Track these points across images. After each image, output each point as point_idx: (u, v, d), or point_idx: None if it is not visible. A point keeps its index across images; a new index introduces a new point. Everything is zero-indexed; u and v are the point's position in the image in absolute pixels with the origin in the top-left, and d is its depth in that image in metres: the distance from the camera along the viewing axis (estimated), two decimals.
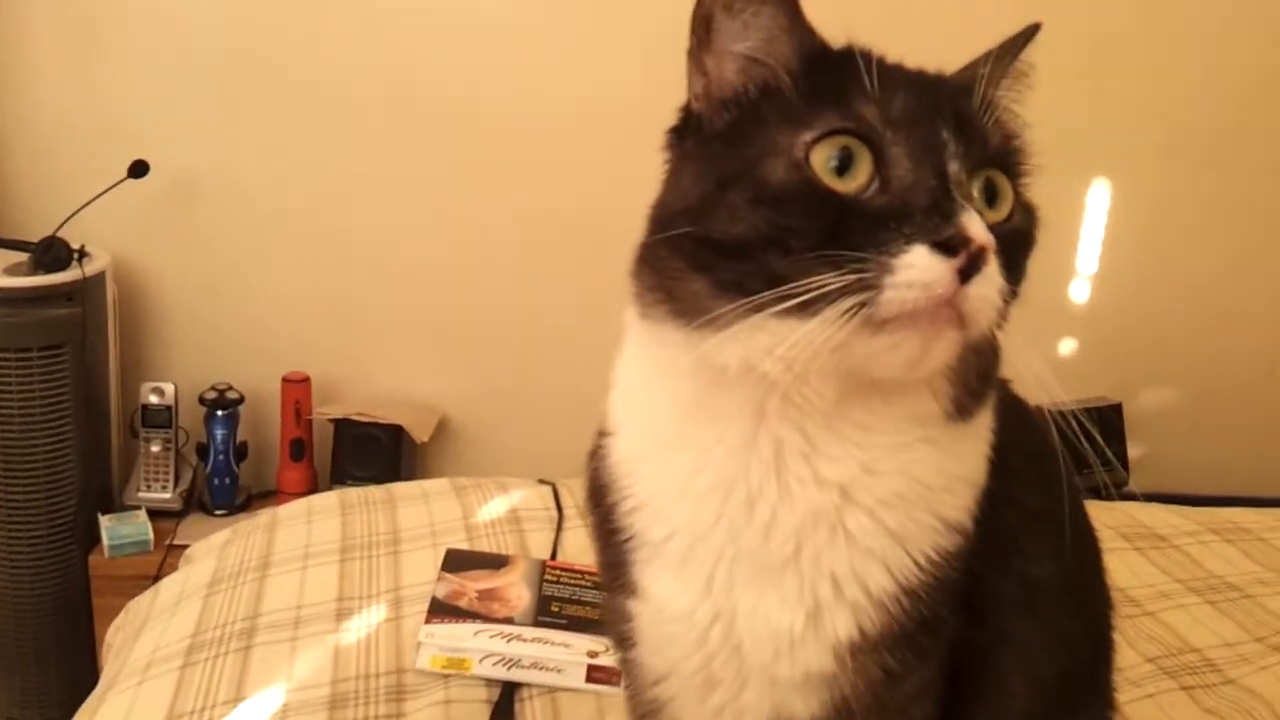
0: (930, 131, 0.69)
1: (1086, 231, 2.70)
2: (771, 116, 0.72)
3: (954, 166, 0.69)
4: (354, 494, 1.68)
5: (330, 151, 2.55)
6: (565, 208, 2.51)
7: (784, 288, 0.65)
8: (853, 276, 0.64)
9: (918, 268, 0.64)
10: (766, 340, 0.68)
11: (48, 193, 2.45)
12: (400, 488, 1.72)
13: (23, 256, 2.31)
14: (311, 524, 1.58)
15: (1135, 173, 2.69)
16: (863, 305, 0.64)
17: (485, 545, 1.52)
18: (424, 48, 2.51)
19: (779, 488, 0.75)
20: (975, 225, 0.65)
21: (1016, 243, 0.73)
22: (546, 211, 2.55)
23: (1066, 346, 2.70)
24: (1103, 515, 1.81)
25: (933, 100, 0.71)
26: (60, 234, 2.33)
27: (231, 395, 2.51)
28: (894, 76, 0.73)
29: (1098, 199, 2.70)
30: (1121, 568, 1.66)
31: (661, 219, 0.75)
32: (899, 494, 0.75)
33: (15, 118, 2.48)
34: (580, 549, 1.51)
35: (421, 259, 2.61)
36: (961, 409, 0.75)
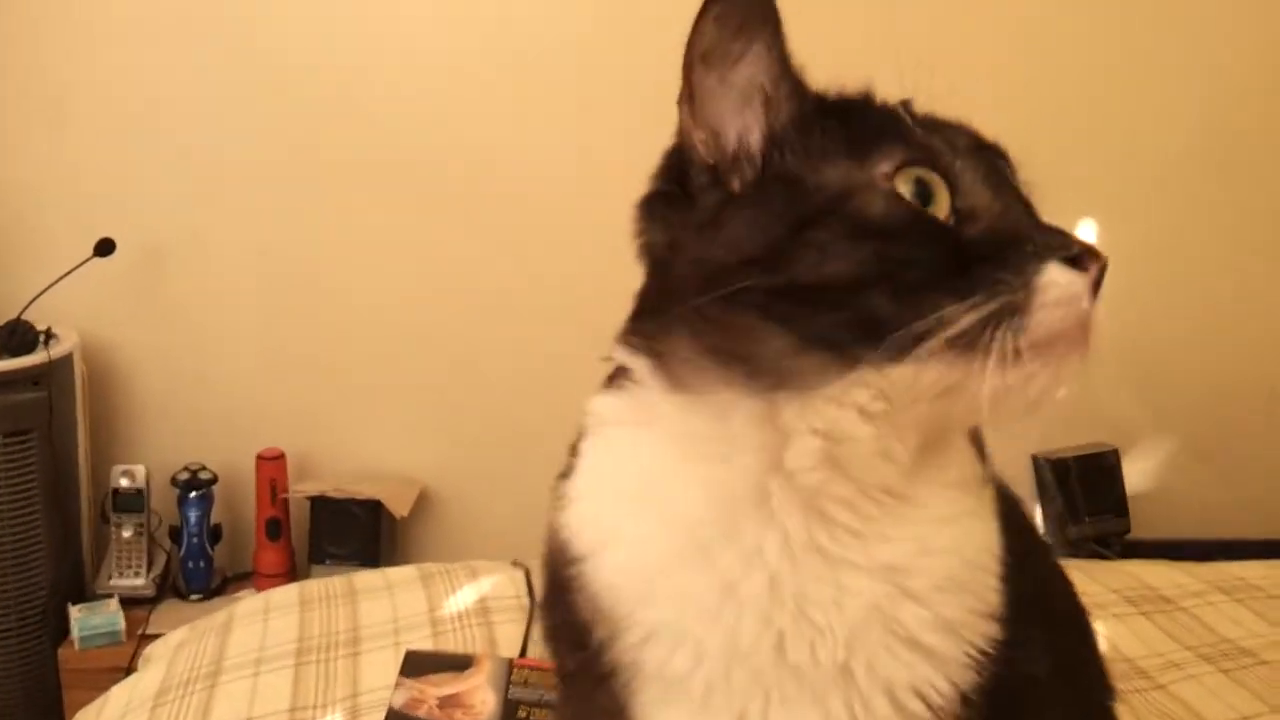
0: (993, 161, 0.69)
1: None
2: (820, 154, 0.67)
3: (1023, 192, 0.69)
4: (314, 586, 1.61)
5: (301, 223, 2.51)
6: (550, 275, 2.47)
7: (919, 325, 0.60)
8: (996, 301, 0.60)
9: (1062, 283, 0.61)
10: (866, 393, 0.63)
11: (12, 274, 2.41)
12: (363, 578, 1.65)
13: None
14: (268, 622, 1.50)
15: (1123, 214, 2.63)
16: (1012, 333, 0.60)
17: (451, 641, 1.44)
18: (398, 114, 2.48)
19: (833, 584, 0.67)
20: (1094, 244, 0.63)
21: None
22: (530, 280, 2.50)
23: (1059, 393, 2.61)
24: (1105, 577, 1.74)
25: (973, 135, 0.71)
26: (25, 316, 2.29)
27: (204, 475, 2.45)
28: (924, 117, 0.72)
29: (1088, 237, 2.64)
30: (1128, 635, 1.58)
31: (705, 278, 0.66)
32: (952, 577, 0.68)
33: None
34: None
35: (397, 328, 2.56)
36: (986, 471, 0.72)
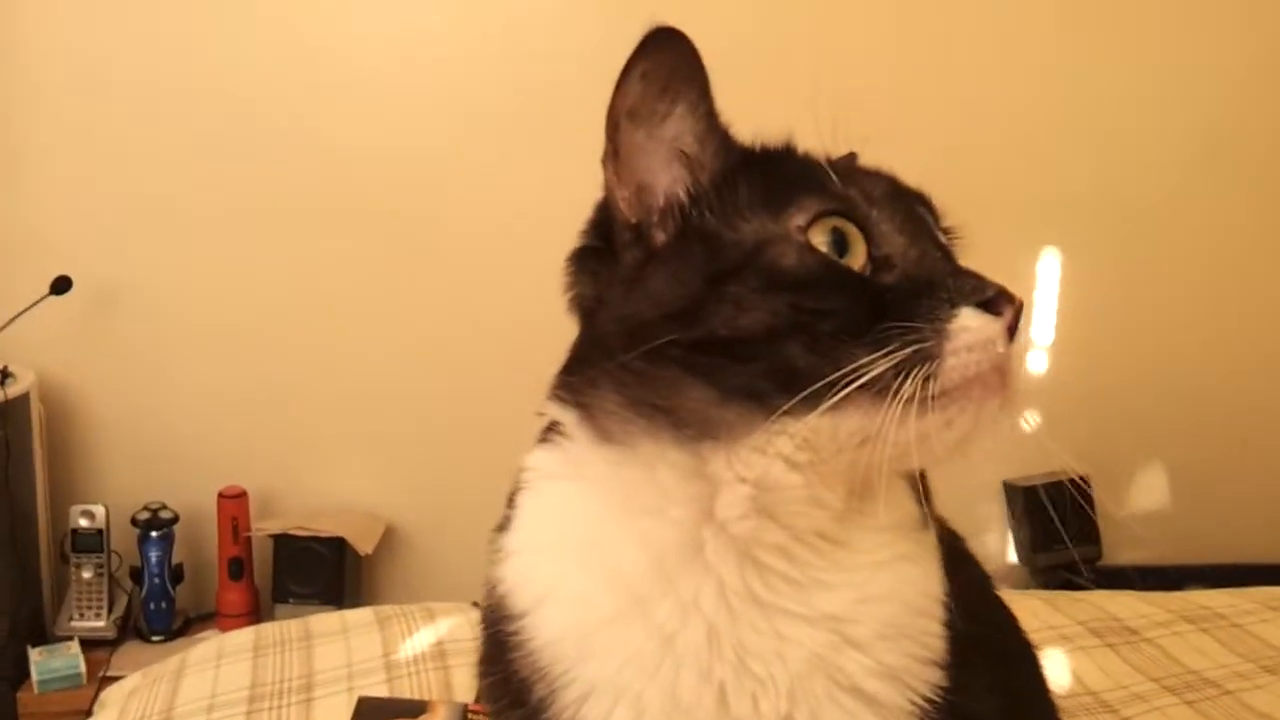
0: (909, 208, 0.69)
1: (1040, 302, 2.64)
2: (735, 209, 0.68)
3: (943, 238, 0.69)
4: (270, 630, 1.58)
5: (261, 259, 2.49)
6: (509, 313, 2.44)
7: (834, 374, 0.60)
8: (908, 349, 0.60)
9: (974, 328, 0.61)
10: (785, 443, 0.63)
11: None
12: (320, 621, 1.62)
13: None
14: (220, 669, 1.47)
15: (1086, 241, 2.66)
16: (925, 380, 0.60)
17: (406, 686, 1.41)
18: (357, 155, 2.47)
19: (773, 633, 0.66)
20: (1003, 286, 0.63)
21: None
22: (490, 316, 2.49)
23: (1025, 420, 2.61)
24: (1070, 609, 1.73)
25: (892, 183, 0.71)
26: None
27: (165, 515, 2.42)
28: (844, 167, 0.72)
29: (1048, 268, 2.65)
30: (1093, 668, 1.56)
31: (629, 333, 0.66)
32: (893, 623, 0.67)
33: None
34: None
35: (358, 364, 2.55)
36: (925, 513, 0.71)
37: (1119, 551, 2.63)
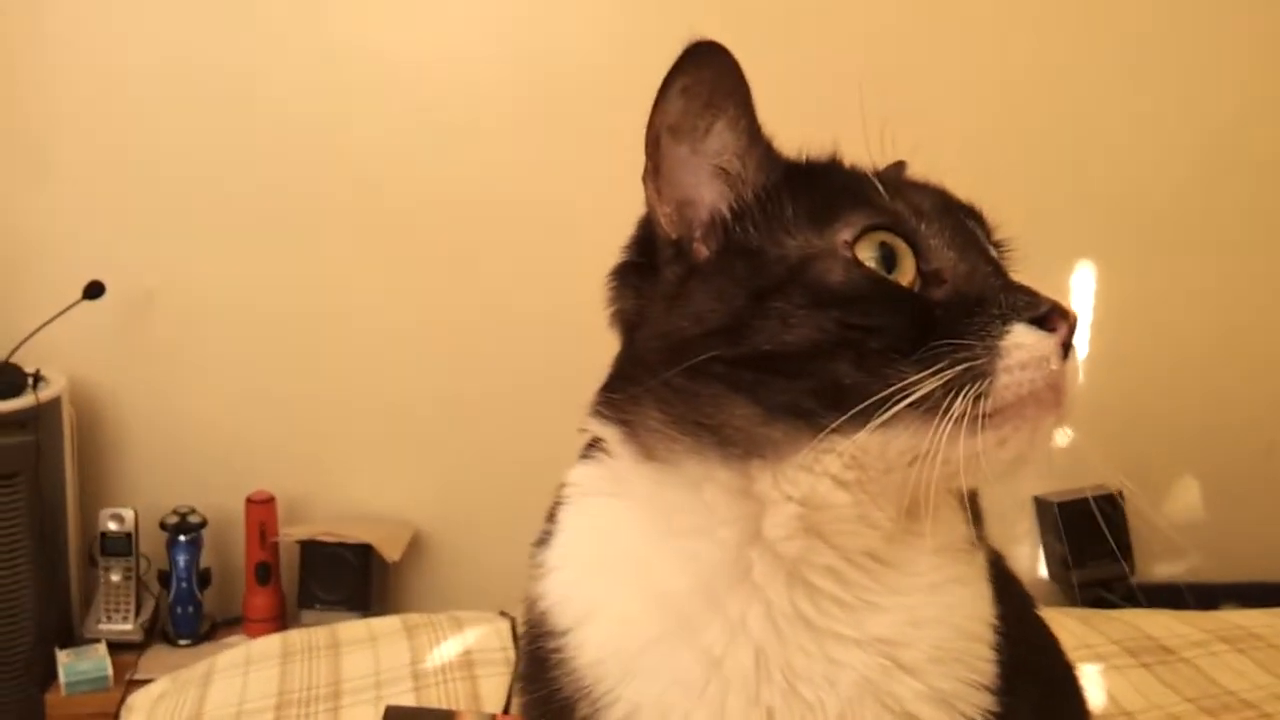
0: (959, 222, 0.68)
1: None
2: (780, 224, 0.67)
3: (994, 252, 0.67)
4: (297, 637, 1.58)
5: (291, 264, 2.49)
6: (540, 319, 2.45)
7: (883, 392, 0.59)
8: (959, 367, 0.59)
9: (1028, 345, 0.60)
10: (837, 461, 0.62)
11: (0, 317, 2.39)
12: (347, 628, 1.62)
13: None
14: (249, 675, 1.47)
15: (1119, 255, 2.63)
16: (977, 398, 0.59)
17: (433, 695, 1.41)
18: (386, 159, 2.47)
19: (822, 657, 0.65)
20: (1063, 303, 0.62)
21: None
22: (521, 322, 2.48)
23: (1060, 435, 2.59)
24: (1106, 627, 1.71)
25: (942, 195, 0.70)
26: (14, 359, 2.27)
27: (194, 519, 2.42)
28: (892, 179, 0.71)
29: (1082, 282, 2.62)
30: (1128, 688, 1.54)
31: (671, 349, 0.66)
32: (944, 647, 0.66)
33: None
34: None
35: (387, 370, 2.54)
36: (977, 534, 0.70)
37: (1153, 567, 2.60)
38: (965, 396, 0.59)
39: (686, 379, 0.64)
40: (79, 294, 2.32)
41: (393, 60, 2.48)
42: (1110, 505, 2.57)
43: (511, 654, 1.51)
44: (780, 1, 2.49)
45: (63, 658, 2.25)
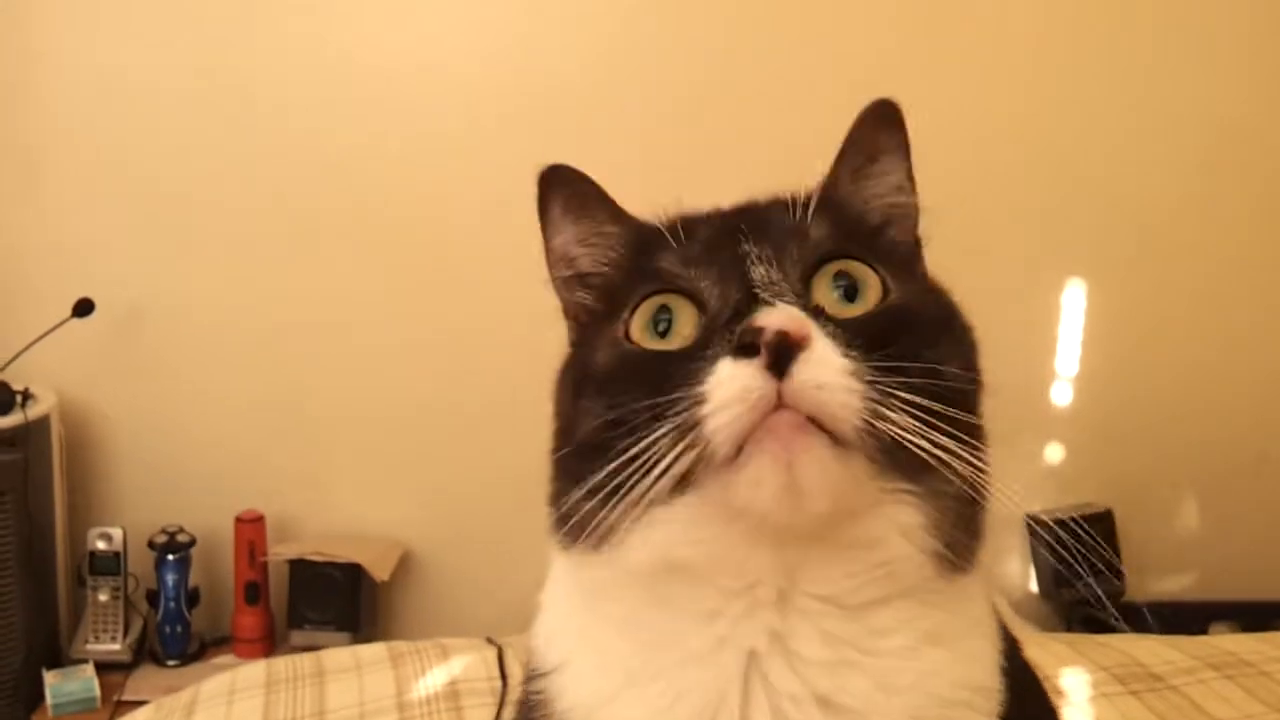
0: (730, 252, 0.66)
1: (1064, 333, 2.61)
2: (607, 313, 0.71)
3: (761, 271, 0.64)
4: (282, 665, 1.56)
5: (280, 283, 2.49)
6: (534, 338, 2.43)
7: (621, 463, 0.60)
8: (677, 419, 0.58)
9: (723, 381, 0.58)
10: (661, 529, 0.62)
11: None
12: (332, 656, 1.61)
13: None
14: (232, 705, 1.46)
15: (1111, 271, 2.62)
16: (701, 445, 0.58)
17: None
18: (375, 174, 2.47)
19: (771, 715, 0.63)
20: (771, 316, 0.59)
21: (902, 322, 0.65)
22: (513, 341, 2.46)
23: (1051, 452, 2.60)
24: (1095, 654, 1.70)
25: (734, 224, 0.69)
26: (3, 377, 2.27)
27: (182, 538, 2.41)
28: (698, 222, 0.72)
29: (1074, 299, 2.62)
30: (1116, 717, 1.53)
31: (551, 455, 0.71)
32: (918, 717, 0.63)
33: None
34: None
35: (378, 389, 2.54)
36: (954, 563, 0.64)
37: (1144, 586, 2.59)
38: (688, 450, 0.58)
39: (554, 475, 0.70)
40: (68, 311, 2.32)
41: (383, 71, 2.47)
42: (1101, 522, 2.59)
43: (498, 684, 1.50)
44: (776, 8, 2.49)
45: (50, 678, 2.24)
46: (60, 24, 2.41)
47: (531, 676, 0.71)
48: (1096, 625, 2.34)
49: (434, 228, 2.48)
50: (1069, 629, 2.54)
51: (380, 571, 2.41)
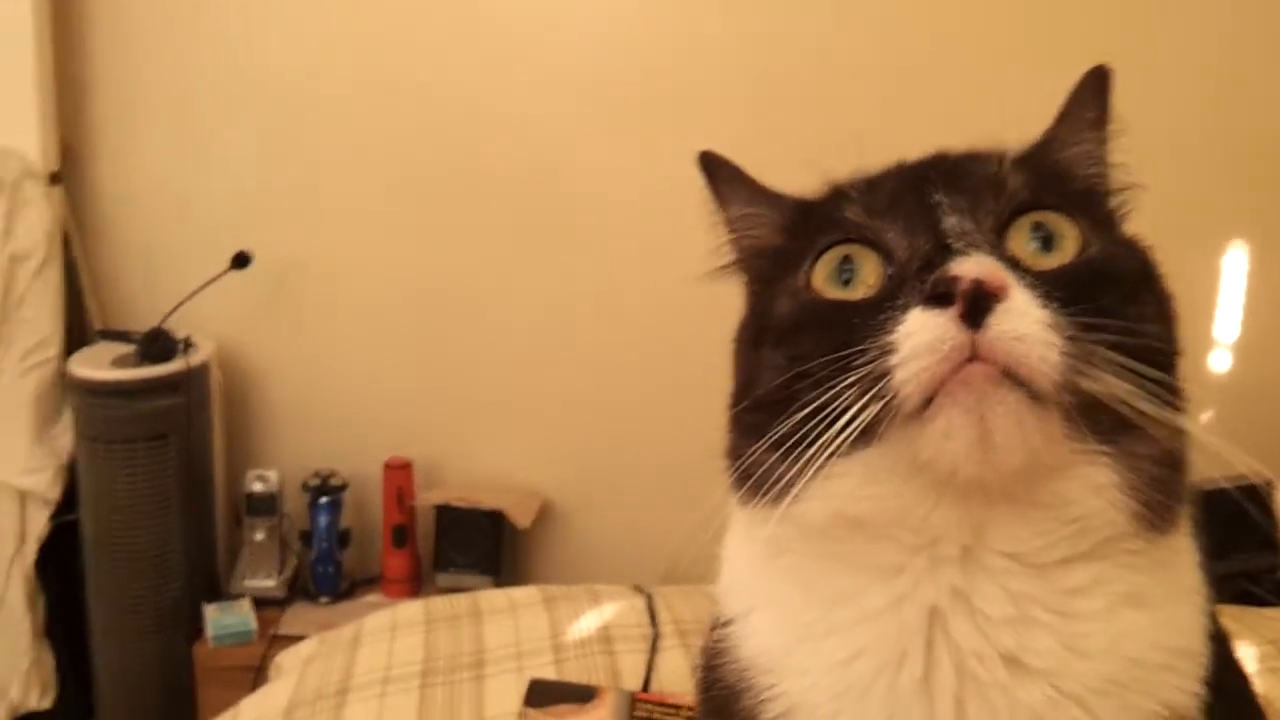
0: (918, 202, 0.64)
1: (1224, 299, 2.51)
2: (781, 269, 0.70)
3: (954, 221, 0.62)
4: (440, 604, 1.61)
5: (434, 238, 2.54)
6: (671, 291, 2.43)
7: (805, 415, 0.59)
8: (863, 370, 0.57)
9: (914, 331, 0.57)
10: (838, 483, 0.61)
11: (153, 285, 2.49)
12: (487, 597, 1.65)
13: (129, 348, 2.35)
14: (395, 640, 1.51)
15: (1274, 234, 2.50)
16: (889, 397, 0.57)
17: (574, 669, 1.42)
18: (521, 135, 2.49)
19: (957, 678, 0.61)
20: (966, 265, 0.57)
21: (1103, 276, 0.63)
22: (652, 294, 2.47)
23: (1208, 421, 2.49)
24: (1259, 625, 1.64)
25: (922, 174, 0.67)
26: (165, 326, 2.36)
27: (335, 482, 2.49)
28: (880, 176, 0.70)
29: (1234, 263, 2.51)
30: None
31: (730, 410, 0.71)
32: (1114, 680, 0.61)
33: (123, 212, 2.54)
34: (676, 674, 1.40)
35: (526, 342, 2.58)
36: (1152, 523, 0.63)
37: None
38: (874, 402, 0.57)
39: (732, 432, 0.70)
40: (227, 264, 2.39)
41: (545, 41, 2.47)
42: (1255, 495, 2.49)
43: (649, 631, 1.52)
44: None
45: (209, 612, 2.35)
46: (222, 6, 2.48)
47: (716, 624, 0.71)
48: (1250, 599, 2.26)
49: (578, 186, 2.50)
50: (1219, 602, 2.45)
51: (521, 519, 2.47)
